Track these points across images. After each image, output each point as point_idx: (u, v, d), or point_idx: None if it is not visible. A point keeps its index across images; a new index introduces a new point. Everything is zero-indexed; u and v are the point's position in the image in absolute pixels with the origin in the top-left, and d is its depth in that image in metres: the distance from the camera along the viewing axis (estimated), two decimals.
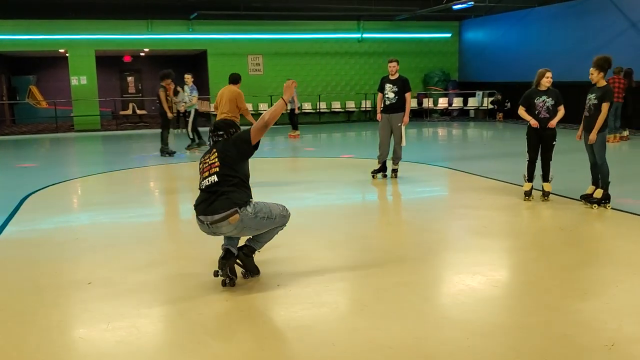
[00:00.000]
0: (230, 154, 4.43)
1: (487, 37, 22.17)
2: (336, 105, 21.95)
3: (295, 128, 16.19)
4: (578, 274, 4.84)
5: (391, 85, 9.26)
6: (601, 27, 17.25)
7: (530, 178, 7.37)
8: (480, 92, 21.42)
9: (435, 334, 3.73)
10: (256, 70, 20.88)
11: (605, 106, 6.61)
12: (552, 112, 7.09)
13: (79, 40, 19.16)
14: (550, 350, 3.43)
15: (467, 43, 23.03)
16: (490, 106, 20.87)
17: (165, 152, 12.59)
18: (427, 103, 22.01)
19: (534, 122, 7.06)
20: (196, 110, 13.35)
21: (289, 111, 15.84)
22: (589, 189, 7.04)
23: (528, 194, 7.41)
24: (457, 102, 22.04)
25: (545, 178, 7.30)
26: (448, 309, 4.15)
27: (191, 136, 13.19)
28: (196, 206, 4.46)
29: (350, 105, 22.02)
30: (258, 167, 9.14)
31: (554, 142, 7.22)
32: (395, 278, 4.75)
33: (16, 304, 4.35)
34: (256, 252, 4.69)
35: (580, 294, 4.40)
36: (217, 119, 8.86)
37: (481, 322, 3.86)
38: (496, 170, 9.72)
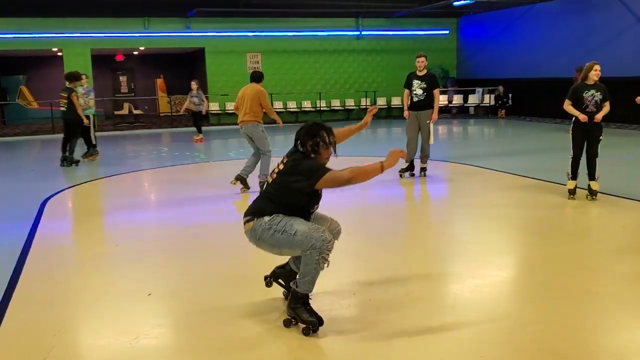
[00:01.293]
0: (288, 178, 3.76)
1: (485, 33, 22.06)
2: (336, 103, 21.69)
3: (199, 132, 15.44)
4: None
5: (419, 82, 9.01)
6: (605, 23, 17.20)
7: (574, 176, 7.16)
8: (481, 89, 21.29)
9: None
10: (255, 68, 20.49)
11: (607, 104, 6.50)
12: (599, 107, 6.89)
13: (74, 38, 18.65)
14: None
15: (466, 40, 22.92)
16: (492, 103, 20.74)
17: (70, 161, 11.24)
18: None
19: (582, 117, 6.83)
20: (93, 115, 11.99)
21: (196, 112, 15.22)
22: None
23: (572, 192, 7.20)
24: (457, 99, 21.91)
25: (592, 176, 7.08)
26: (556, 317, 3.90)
27: (94, 142, 11.99)
28: None
29: (350, 103, 21.77)
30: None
31: (601, 137, 7.03)
32: (475, 282, 4.50)
33: (89, 315, 4.02)
34: (308, 299, 3.73)
35: None
36: (239, 120, 8.46)
37: (594, 328, 3.62)
38: (524, 167, 9.52)
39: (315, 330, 3.62)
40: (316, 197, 3.86)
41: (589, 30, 17.59)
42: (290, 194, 3.75)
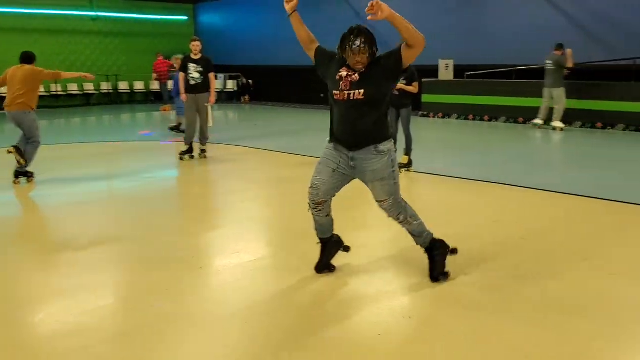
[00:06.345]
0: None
1: (224, 21, 22.80)
2: (73, 87, 20.31)
3: None
4: None
5: (195, 65, 9.18)
6: (332, 16, 19.18)
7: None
8: (222, 75, 22.00)
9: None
10: None
11: (415, 84, 7.69)
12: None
13: None
14: None
15: (204, 27, 23.36)
16: (235, 89, 21.66)
17: None
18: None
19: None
20: None
21: None
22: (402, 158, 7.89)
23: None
24: None
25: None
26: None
27: None
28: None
29: (89, 87, 20.59)
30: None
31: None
32: None
33: None
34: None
35: None
36: (5, 104, 7.54)
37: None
38: (293, 146, 10.38)
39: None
40: None
41: (317, 23, 19.35)
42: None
